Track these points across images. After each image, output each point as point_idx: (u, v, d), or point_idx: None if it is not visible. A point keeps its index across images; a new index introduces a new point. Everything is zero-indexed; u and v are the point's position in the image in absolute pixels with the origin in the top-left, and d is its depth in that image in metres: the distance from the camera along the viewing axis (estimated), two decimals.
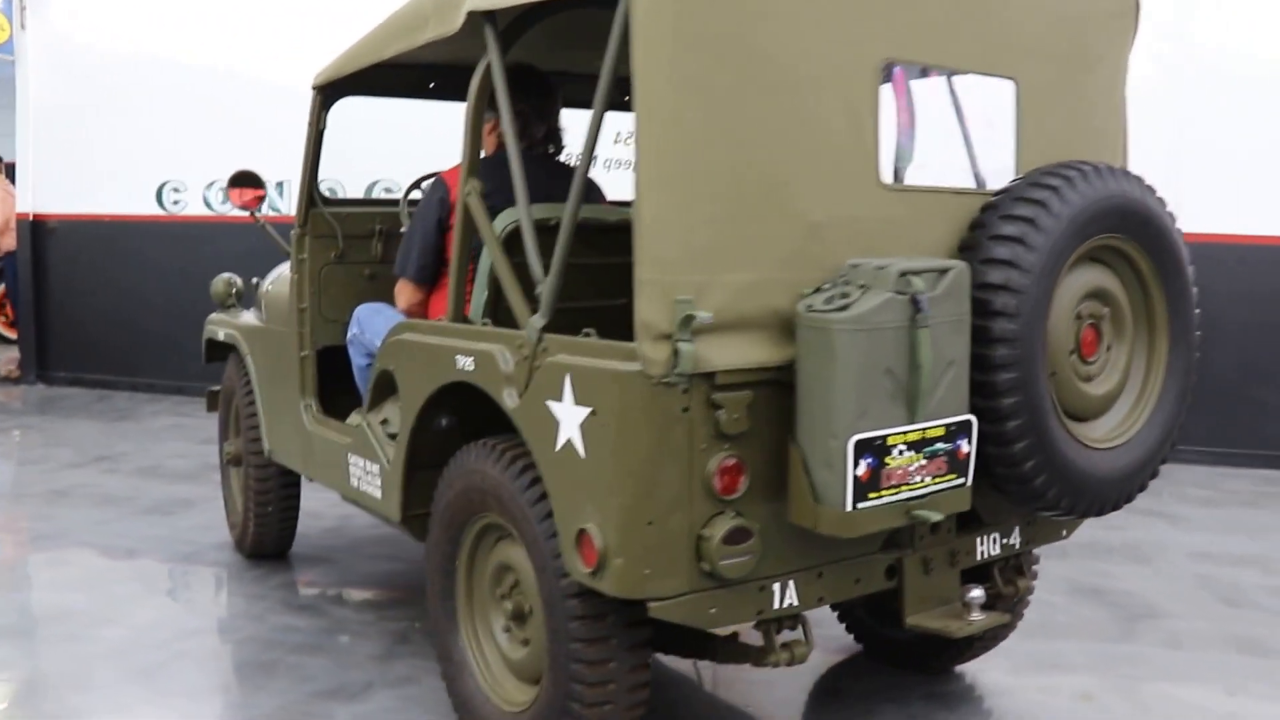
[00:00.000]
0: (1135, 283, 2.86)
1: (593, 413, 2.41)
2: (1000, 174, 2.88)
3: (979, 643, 3.54)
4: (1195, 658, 3.85)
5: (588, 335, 2.51)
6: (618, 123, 4.46)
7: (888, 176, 2.61)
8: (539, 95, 3.45)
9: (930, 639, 3.32)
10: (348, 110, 3.95)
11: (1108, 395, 2.83)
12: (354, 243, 4.01)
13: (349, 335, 3.81)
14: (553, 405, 2.53)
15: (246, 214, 4.16)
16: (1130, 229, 2.76)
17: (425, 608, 4.05)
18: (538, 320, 2.62)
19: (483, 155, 3.57)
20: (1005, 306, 2.53)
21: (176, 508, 5.67)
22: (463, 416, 3.18)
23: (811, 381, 2.35)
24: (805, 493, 2.38)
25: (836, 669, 3.75)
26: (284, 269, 4.86)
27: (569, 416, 2.48)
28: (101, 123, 9.21)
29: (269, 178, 8.33)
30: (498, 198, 3.27)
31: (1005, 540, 2.98)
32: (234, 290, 4.94)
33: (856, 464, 2.32)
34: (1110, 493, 2.78)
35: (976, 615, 2.75)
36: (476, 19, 2.83)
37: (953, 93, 2.95)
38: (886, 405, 2.35)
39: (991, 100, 2.91)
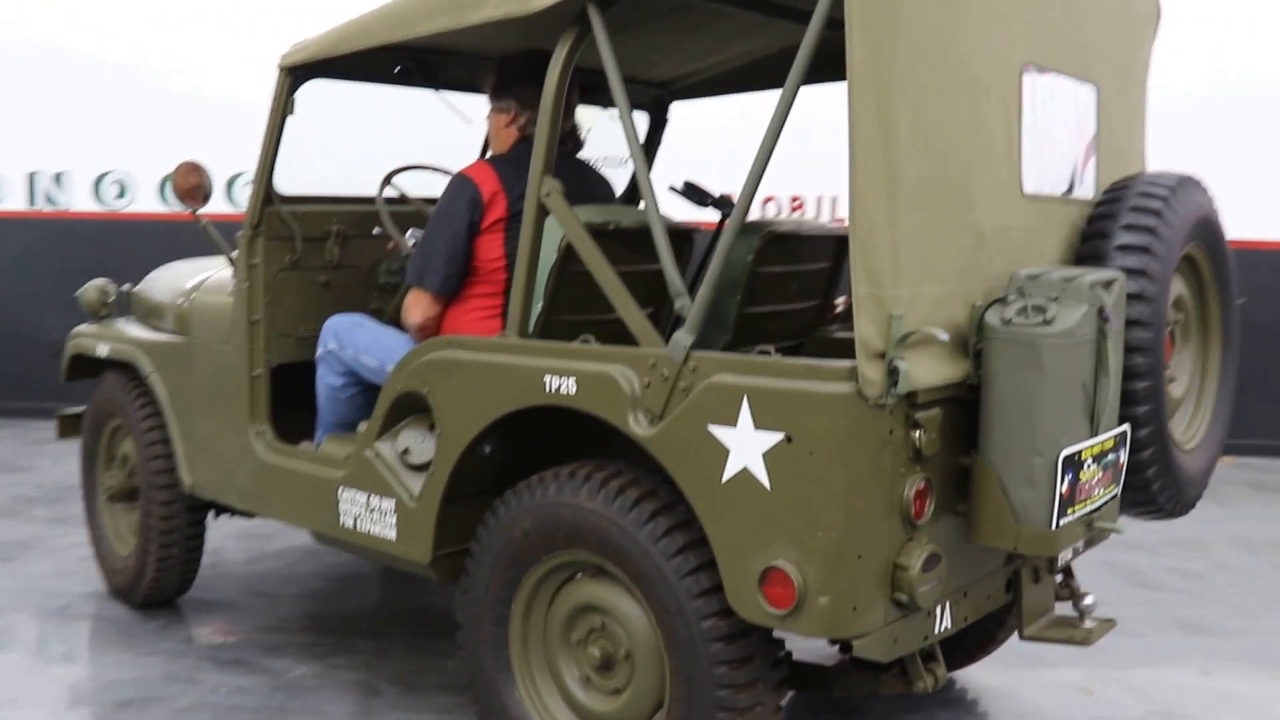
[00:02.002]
0: (1197, 288, 2.97)
1: (786, 439, 2.19)
2: (1065, 180, 2.89)
3: (981, 648, 3.58)
4: (1154, 643, 4.07)
5: (766, 353, 2.29)
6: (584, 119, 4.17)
7: (1028, 185, 2.56)
8: None
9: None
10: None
11: (1178, 399, 2.92)
12: (308, 246, 3.51)
13: (320, 351, 3.34)
14: (718, 431, 2.29)
15: (186, 211, 3.54)
16: (1206, 236, 2.86)
17: (353, 648, 3.69)
18: (684, 337, 2.37)
19: (490, 152, 3.24)
20: (1141, 315, 2.54)
21: (12, 551, 4.81)
22: (506, 444, 2.86)
23: (1011, 397, 2.25)
24: (1001, 512, 2.28)
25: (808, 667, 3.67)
26: (168, 272, 4.24)
27: (745, 443, 2.25)
28: None
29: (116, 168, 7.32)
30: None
31: (1076, 544, 3.02)
32: (109, 299, 4.24)
33: (1061, 480, 2.25)
34: (1193, 492, 2.87)
35: (1090, 623, 2.76)
36: None
37: (1055, 98, 2.94)
38: (1079, 420, 2.30)
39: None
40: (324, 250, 3.55)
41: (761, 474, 2.23)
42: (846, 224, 3.61)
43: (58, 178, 7.58)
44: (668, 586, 2.42)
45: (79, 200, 7.57)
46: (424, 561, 2.94)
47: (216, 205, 7.23)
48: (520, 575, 2.74)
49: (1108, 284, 2.34)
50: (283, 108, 3.28)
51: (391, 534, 3.00)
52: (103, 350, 4.08)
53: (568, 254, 2.79)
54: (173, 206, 7.45)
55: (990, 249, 2.43)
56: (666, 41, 3.36)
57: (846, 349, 3.29)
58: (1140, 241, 2.59)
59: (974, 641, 3.50)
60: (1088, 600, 2.76)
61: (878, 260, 2.14)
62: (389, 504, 3.00)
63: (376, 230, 3.50)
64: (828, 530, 2.17)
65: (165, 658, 3.73)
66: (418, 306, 3.06)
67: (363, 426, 3.17)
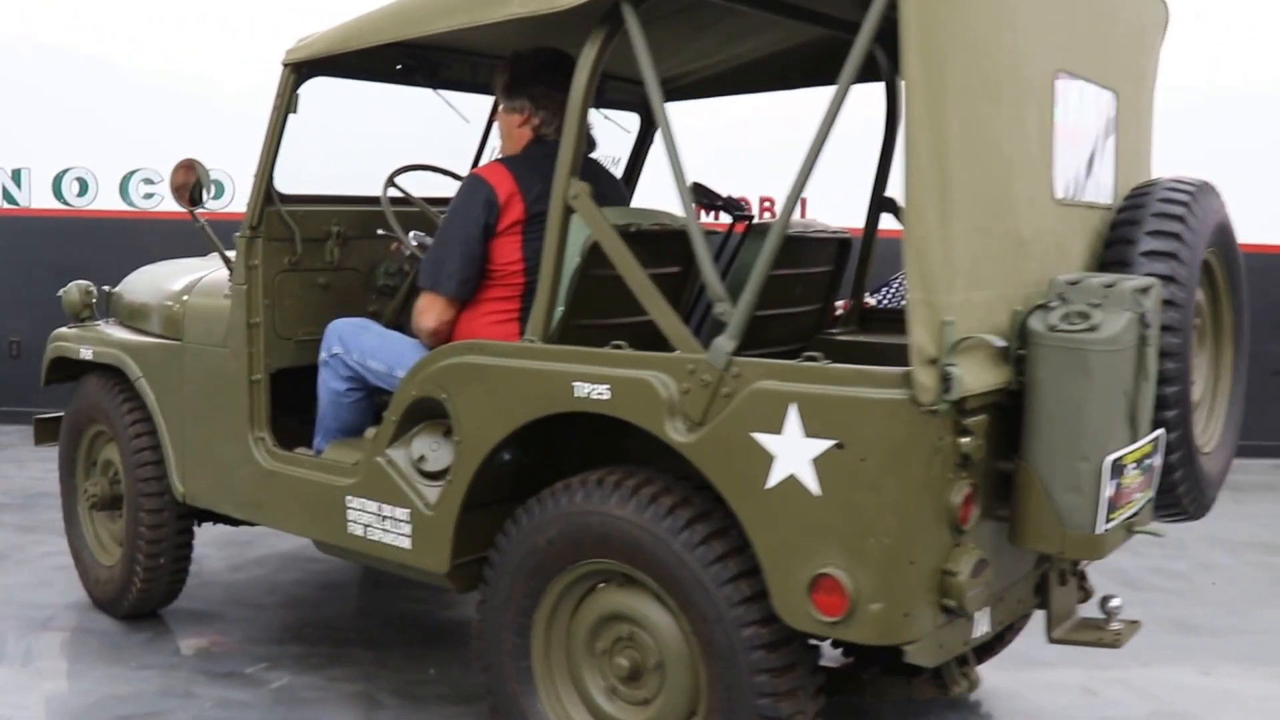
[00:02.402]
0: (1211, 293, 3.00)
1: (837, 445, 2.17)
2: (1090, 186, 2.90)
3: (989, 651, 3.58)
4: (1148, 643, 4.06)
5: (813, 359, 2.26)
6: None
7: (1058, 190, 2.56)
8: None
9: None
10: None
11: (1196, 403, 2.95)
12: (307, 247, 3.42)
13: (323, 356, 3.25)
14: (763, 438, 2.25)
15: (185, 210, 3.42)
16: (1222, 242, 2.89)
17: (349, 659, 3.62)
18: (726, 343, 2.33)
19: (502, 153, 3.19)
20: (1171, 321, 2.55)
21: None
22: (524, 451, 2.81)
23: (1056, 403, 2.25)
24: (1047, 517, 2.28)
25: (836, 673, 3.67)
26: (150, 273, 4.12)
27: (793, 450, 2.22)
28: None
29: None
30: (547, 201, 2.92)
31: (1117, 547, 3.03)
32: (92, 300, 4.10)
33: (1106, 485, 2.25)
34: (1211, 494, 2.90)
35: (1117, 624, 2.77)
36: None
37: (1082, 104, 2.95)
38: (1122, 425, 2.30)
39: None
40: (323, 251, 3.46)
41: (810, 480, 2.20)
42: (842, 228, 3.63)
43: (15, 175, 7.35)
44: (706, 595, 2.38)
45: (38, 198, 7.34)
46: (441, 571, 2.87)
47: (175, 204, 7.15)
48: (544, 584, 2.69)
49: (1145, 290, 2.34)
50: (286, 105, 3.19)
51: (405, 543, 2.93)
52: (86, 353, 3.95)
53: (590, 257, 2.74)
54: (135, 205, 7.27)
55: (1028, 254, 2.43)
56: (667, 42, 3.32)
57: (850, 352, 3.28)
58: (1167, 247, 2.60)
59: (982, 645, 3.50)
60: (1114, 602, 2.76)
61: (931, 266, 2.12)
62: (402, 512, 2.93)
63: (381, 232, 3.42)
64: (880, 536, 2.15)
65: (158, 671, 3.61)
66: (431, 311, 2.99)
67: (370, 433, 3.09)
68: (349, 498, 3.05)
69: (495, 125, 4.00)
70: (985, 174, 2.26)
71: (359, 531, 3.04)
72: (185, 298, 3.65)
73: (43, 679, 3.59)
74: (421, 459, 2.91)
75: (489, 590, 2.78)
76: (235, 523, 3.75)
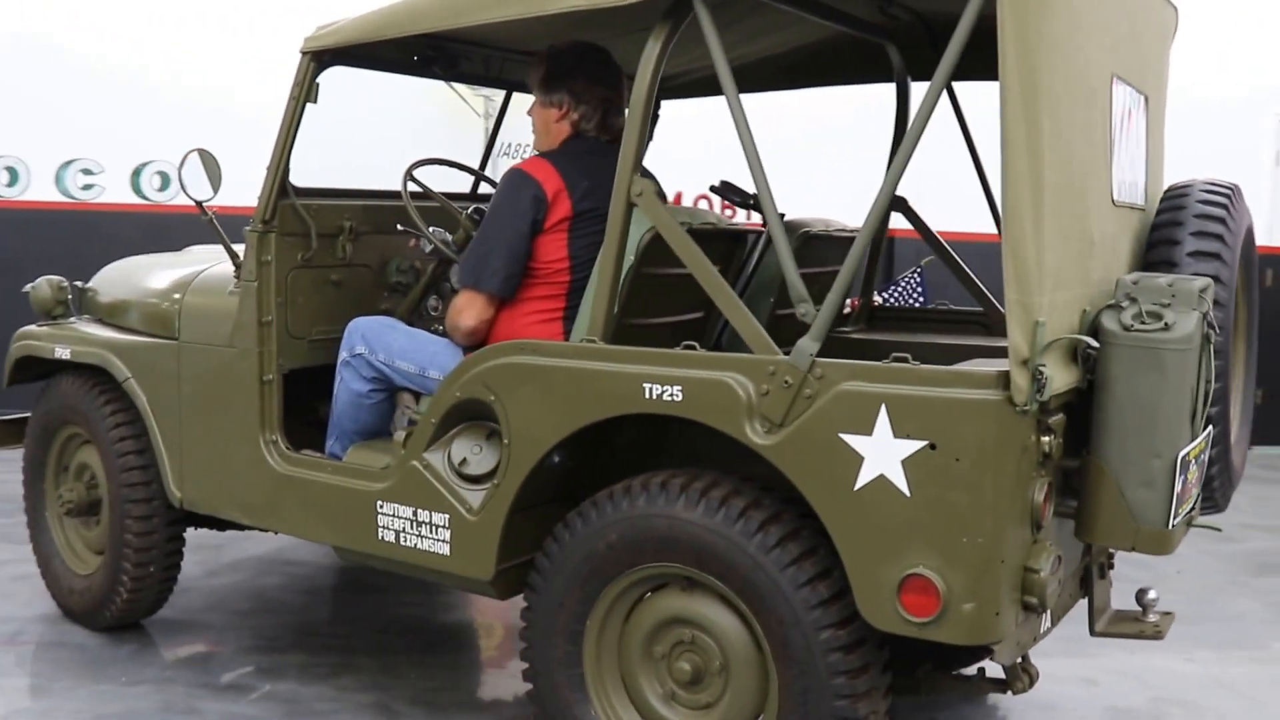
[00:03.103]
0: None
1: (929, 446, 2.18)
2: (1133, 188, 2.95)
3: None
4: None
5: (902, 359, 2.26)
6: None
7: (1115, 193, 2.61)
8: (618, 83, 3.05)
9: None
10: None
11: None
12: (320, 243, 3.29)
13: (344, 356, 3.14)
14: (851, 439, 2.25)
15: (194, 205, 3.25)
16: (1249, 243, 2.99)
17: (354, 667, 3.51)
18: (810, 344, 2.32)
19: (537, 148, 3.12)
20: (1217, 320, 2.63)
21: None
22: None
23: (1130, 400, 2.30)
24: (1120, 513, 2.32)
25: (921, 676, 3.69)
26: (127, 268, 3.93)
27: (882, 451, 2.22)
28: None
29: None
30: (594, 198, 2.88)
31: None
32: (66, 296, 3.89)
33: (1177, 481, 2.31)
34: (1236, 485, 2.99)
35: (1154, 616, 2.84)
36: None
37: (1127, 107, 3.01)
38: (1187, 422, 2.36)
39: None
40: (335, 247, 3.34)
41: (900, 481, 2.21)
42: (854, 227, 3.64)
43: None
44: (783, 598, 2.37)
45: None
46: (485, 578, 2.80)
47: (116, 195, 6.85)
48: (599, 589, 2.65)
49: (1204, 290, 2.41)
50: (304, 94, 3.07)
51: (443, 549, 2.85)
52: (62, 353, 3.74)
53: (645, 256, 2.71)
54: (75, 196, 6.92)
55: (1095, 256, 2.48)
56: (679, 41, 3.29)
57: (864, 350, 3.28)
58: (1212, 248, 2.67)
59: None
60: (1151, 594, 2.84)
61: (1026, 268, 2.15)
62: (441, 518, 2.85)
63: (400, 227, 3.32)
64: (974, 536, 2.16)
65: (153, 686, 3.45)
66: (471, 309, 2.91)
67: (400, 435, 3.00)
68: (380, 503, 2.95)
69: (502, 120, 3.95)
70: (1066, 176, 2.29)
71: (390, 538, 2.95)
72: (177, 295, 3.48)
73: (24, 697, 3.39)
74: (464, 462, 2.83)
75: (537, 597, 2.72)
76: (223, 528, 3.62)
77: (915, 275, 4.80)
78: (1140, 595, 2.87)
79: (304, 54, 3.07)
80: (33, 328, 3.92)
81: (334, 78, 3.40)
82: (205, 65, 6.64)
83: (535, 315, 2.91)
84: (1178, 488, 2.31)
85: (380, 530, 2.97)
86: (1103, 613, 2.85)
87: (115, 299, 3.80)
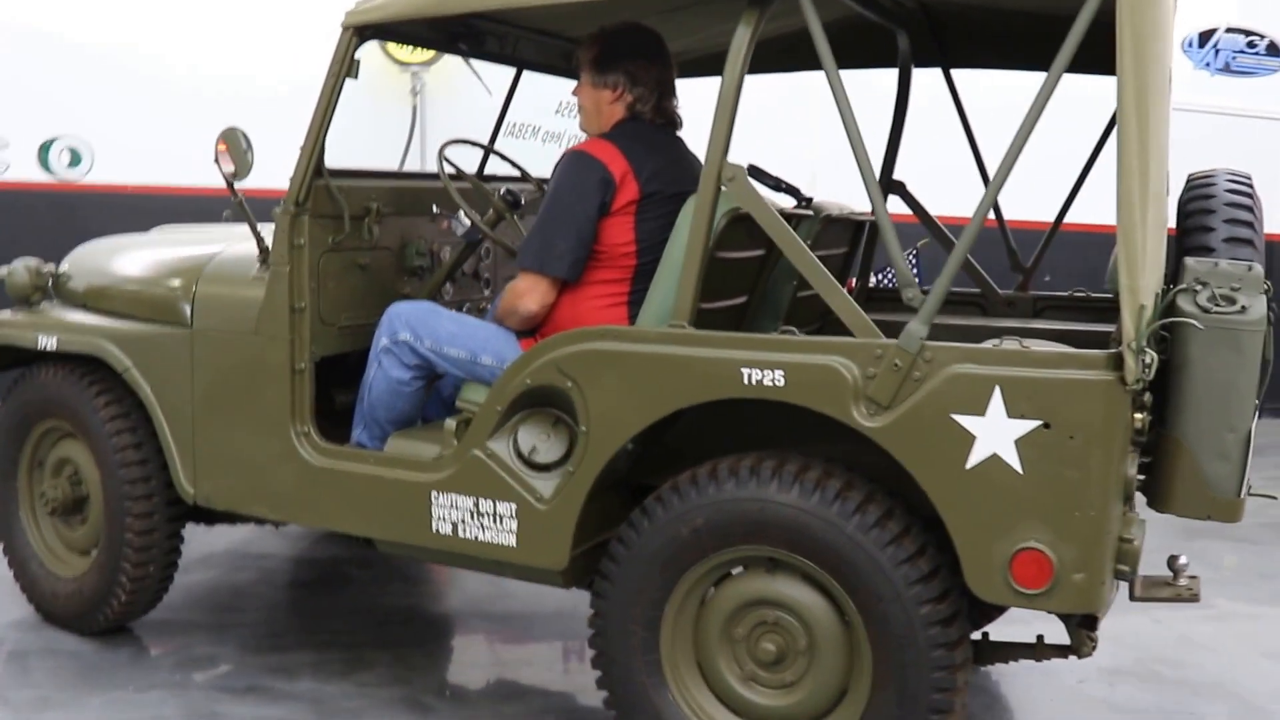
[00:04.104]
0: None
1: (1043, 425, 2.27)
2: None
3: (986, 616, 3.79)
4: None
5: (1021, 341, 2.35)
6: (561, 93, 4.02)
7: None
8: (671, 66, 3.04)
9: None
10: None
11: None
12: (351, 225, 3.18)
13: (384, 343, 3.05)
14: (963, 420, 2.33)
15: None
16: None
17: (367, 661, 3.47)
18: (919, 328, 2.38)
19: (586, 129, 3.09)
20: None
21: None
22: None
23: (1208, 379, 2.43)
24: (1197, 484, 2.47)
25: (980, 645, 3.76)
26: (107, 251, 3.72)
27: (995, 430, 2.31)
28: None
29: None
30: (659, 181, 2.89)
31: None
32: (45, 281, 3.64)
33: (1249, 453, 2.47)
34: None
35: (1185, 580, 3.02)
36: None
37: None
38: (1254, 398, 2.52)
39: None
40: (361, 230, 3.23)
41: (1013, 459, 2.30)
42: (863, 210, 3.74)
43: None
44: (883, 575, 2.44)
45: None
46: (557, 568, 2.78)
47: (19, 173, 6.40)
48: (680, 574, 2.67)
49: (1266, 276, 2.58)
50: (344, 70, 2.95)
51: (508, 539, 2.81)
52: (47, 342, 3.50)
53: (721, 240, 2.72)
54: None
55: (1165, 241, 2.62)
56: (688, 21, 3.30)
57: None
58: (1246, 235, 2.85)
59: (993, 606, 3.72)
60: (1182, 560, 3.01)
61: (1134, 254, 2.26)
62: (506, 507, 2.81)
63: (436, 209, 3.23)
64: (1087, 510, 2.27)
65: (168, 692, 3.30)
66: (534, 293, 2.87)
67: (451, 424, 2.94)
68: (435, 494, 2.89)
69: (511, 99, 3.88)
70: (1159, 164, 2.41)
71: (446, 530, 2.89)
72: (183, 280, 3.30)
73: (31, 712, 3.18)
74: (534, 450, 2.79)
75: (611, 585, 2.72)
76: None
77: (911, 256, 4.95)
78: (1171, 561, 3.05)
79: (345, 28, 2.95)
80: (11, 314, 3.65)
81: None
82: (124, 21, 6.24)
83: (600, 300, 2.89)
84: (1249, 459, 2.47)
85: (435, 522, 2.90)
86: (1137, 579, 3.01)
87: (97, 284, 3.58)
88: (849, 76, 3.85)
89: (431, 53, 6.66)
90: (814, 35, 2.49)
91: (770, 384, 2.49)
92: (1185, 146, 3.32)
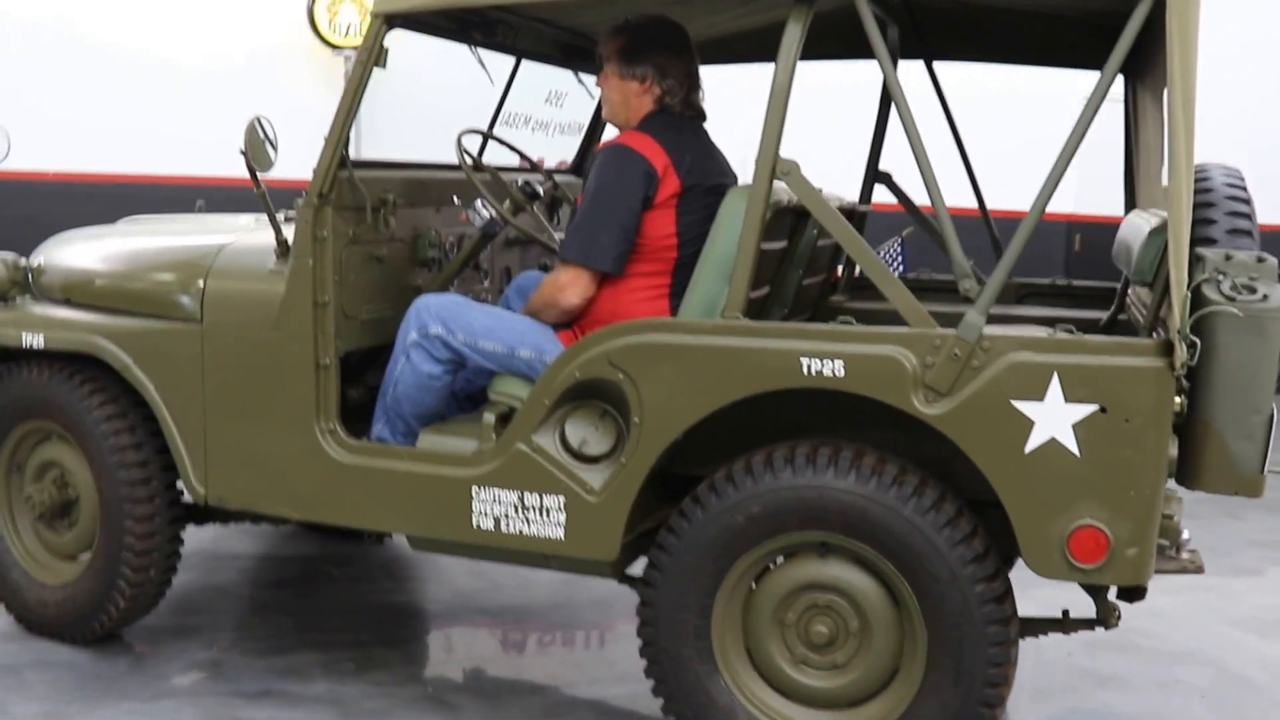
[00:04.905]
0: None
1: (1100, 410, 2.39)
2: None
3: None
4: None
5: (1071, 330, 2.46)
6: (550, 82, 4.02)
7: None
8: (695, 58, 3.07)
9: None
10: None
11: None
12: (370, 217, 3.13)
13: (413, 337, 3.01)
14: (1023, 405, 2.44)
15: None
16: None
17: (379, 661, 3.47)
18: (977, 318, 2.48)
19: (611, 121, 3.10)
20: None
21: None
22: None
23: (1234, 363, 2.58)
24: (1226, 463, 2.63)
25: None
26: (85, 242, 3.58)
27: (1053, 416, 2.42)
28: None
29: None
30: (697, 173, 2.93)
31: None
32: (25, 276, 3.47)
33: (1272, 433, 2.64)
34: None
35: (1186, 554, 3.20)
36: None
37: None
38: (1275, 381, 2.70)
39: None
40: (379, 221, 3.17)
41: (1070, 442, 2.42)
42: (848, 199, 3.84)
43: None
44: (940, 557, 2.54)
45: None
46: (609, 559, 2.80)
47: None
48: (733, 561, 2.72)
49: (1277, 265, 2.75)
50: (373, 58, 2.90)
51: (557, 532, 2.82)
52: (33, 340, 3.34)
53: (766, 232, 2.77)
54: None
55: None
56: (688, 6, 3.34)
57: (859, 318, 3.49)
58: (1245, 226, 3.03)
59: None
60: (1185, 534, 3.20)
61: (1181, 244, 2.39)
62: (554, 500, 2.81)
63: (456, 200, 3.20)
64: (1141, 489, 2.41)
65: (183, 700, 3.20)
66: (576, 286, 2.87)
67: (489, 418, 2.92)
68: (476, 489, 2.87)
69: (510, 88, 3.86)
70: (1191, 160, 2.55)
71: (488, 525, 2.88)
72: (186, 274, 3.19)
73: None
74: (584, 443, 2.80)
75: (661, 574, 2.75)
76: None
77: (896, 245, 5.07)
78: (1174, 535, 3.23)
79: (374, 16, 2.90)
80: None
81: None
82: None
83: (642, 292, 2.91)
84: (1272, 438, 2.64)
85: (475, 518, 2.89)
86: None
87: (83, 279, 3.43)
88: (831, 69, 4.03)
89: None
90: (868, 31, 2.56)
91: (830, 374, 2.55)
92: None
